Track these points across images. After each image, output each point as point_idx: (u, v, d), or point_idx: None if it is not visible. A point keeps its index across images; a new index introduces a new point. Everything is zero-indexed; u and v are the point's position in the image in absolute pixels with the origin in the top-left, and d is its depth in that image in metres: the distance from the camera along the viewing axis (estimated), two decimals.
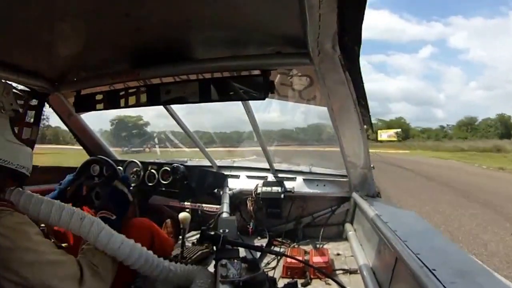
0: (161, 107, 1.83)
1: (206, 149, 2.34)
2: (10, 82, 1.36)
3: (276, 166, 2.26)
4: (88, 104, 1.54)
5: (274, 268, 1.60)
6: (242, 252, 1.11)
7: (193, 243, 1.74)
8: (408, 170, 13.67)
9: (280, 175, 2.23)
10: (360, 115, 1.38)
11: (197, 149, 2.33)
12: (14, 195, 0.87)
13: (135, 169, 2.23)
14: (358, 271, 1.42)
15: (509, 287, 0.78)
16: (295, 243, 1.87)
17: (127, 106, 1.44)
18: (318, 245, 1.78)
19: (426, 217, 4.86)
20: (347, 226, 1.95)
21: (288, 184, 2.09)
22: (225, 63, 1.24)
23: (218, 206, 1.92)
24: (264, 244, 1.83)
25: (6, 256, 0.75)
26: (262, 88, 1.20)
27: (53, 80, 1.58)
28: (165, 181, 2.17)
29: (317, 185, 2.09)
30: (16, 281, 0.76)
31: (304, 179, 2.14)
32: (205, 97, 1.27)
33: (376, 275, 1.29)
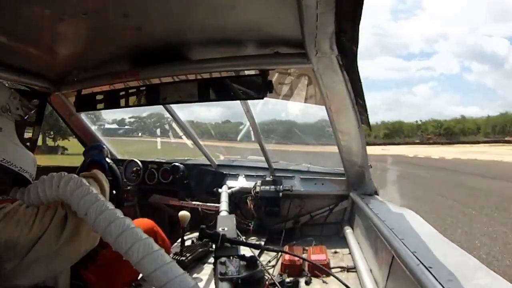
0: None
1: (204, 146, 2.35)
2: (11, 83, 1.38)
3: (275, 165, 2.28)
4: (88, 104, 1.55)
5: (273, 266, 1.61)
6: (241, 250, 1.13)
7: (192, 241, 1.76)
8: None
9: (278, 174, 2.24)
10: (358, 114, 1.40)
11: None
12: (19, 193, 0.86)
13: (135, 168, 2.25)
14: (356, 269, 1.44)
15: (506, 285, 0.78)
16: (293, 241, 1.88)
17: (127, 105, 1.46)
18: (316, 243, 1.79)
19: None
20: (345, 224, 1.96)
21: (287, 183, 2.09)
22: (224, 63, 1.26)
23: (217, 205, 1.93)
24: (263, 243, 1.84)
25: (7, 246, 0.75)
26: (261, 88, 1.22)
27: (54, 80, 1.59)
28: (165, 180, 2.19)
29: (315, 183, 2.10)
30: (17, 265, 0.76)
31: (302, 178, 2.15)
32: (204, 97, 1.29)
33: (373, 272, 1.30)
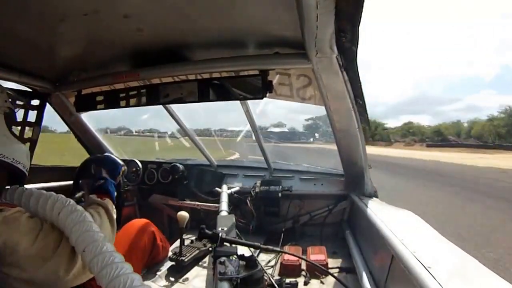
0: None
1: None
2: (11, 83, 1.39)
3: (274, 165, 2.28)
4: (88, 104, 1.56)
5: (272, 266, 1.61)
6: (240, 249, 1.13)
7: (192, 241, 1.76)
8: None
9: (277, 174, 2.25)
10: (358, 114, 1.40)
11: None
12: (9, 193, 0.87)
13: (134, 168, 2.25)
14: (355, 269, 1.44)
15: (506, 285, 0.78)
16: (293, 242, 1.88)
17: (127, 106, 1.46)
18: (315, 244, 1.79)
19: None
20: (344, 224, 1.96)
21: (286, 183, 2.10)
22: (224, 63, 1.26)
23: (217, 205, 1.93)
24: (262, 243, 1.84)
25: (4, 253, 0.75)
26: (260, 88, 1.22)
27: (54, 81, 1.60)
28: (164, 180, 2.19)
29: (315, 184, 2.10)
30: (19, 277, 0.76)
31: (301, 178, 2.16)
32: (203, 97, 1.29)
33: (373, 273, 1.30)
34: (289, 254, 1.36)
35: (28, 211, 0.84)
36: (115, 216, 1.07)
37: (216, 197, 2.05)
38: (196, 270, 1.57)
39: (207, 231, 1.17)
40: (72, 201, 0.87)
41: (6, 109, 0.93)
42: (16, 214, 0.79)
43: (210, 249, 1.65)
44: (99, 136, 2.22)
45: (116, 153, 2.44)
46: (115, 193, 1.18)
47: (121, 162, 1.27)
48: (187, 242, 1.74)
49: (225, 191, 2.03)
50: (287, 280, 1.36)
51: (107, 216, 1.02)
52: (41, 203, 0.84)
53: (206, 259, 1.66)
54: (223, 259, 1.01)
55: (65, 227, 0.81)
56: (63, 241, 0.82)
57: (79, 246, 0.78)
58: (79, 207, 0.86)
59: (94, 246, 0.76)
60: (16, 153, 0.89)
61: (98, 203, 1.03)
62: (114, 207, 1.09)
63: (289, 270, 1.50)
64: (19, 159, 0.90)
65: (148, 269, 1.54)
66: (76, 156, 2.20)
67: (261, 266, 1.08)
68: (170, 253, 1.60)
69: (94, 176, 1.23)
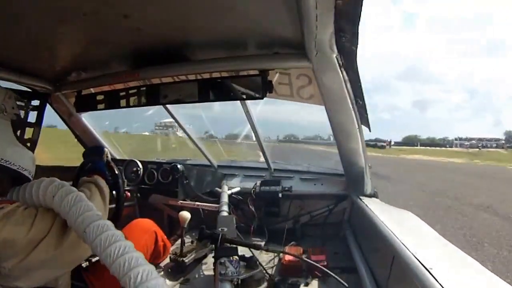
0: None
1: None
2: (11, 84, 1.39)
3: (274, 165, 2.28)
4: (89, 104, 1.56)
5: (273, 266, 1.61)
6: (241, 250, 1.13)
7: (192, 242, 1.76)
8: None
9: (278, 174, 2.25)
10: (358, 114, 1.40)
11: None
12: (15, 192, 0.88)
13: (135, 169, 2.25)
14: (356, 270, 1.43)
15: (506, 286, 0.78)
16: (293, 242, 1.88)
17: (127, 106, 1.46)
18: (316, 244, 1.79)
19: None
20: (345, 225, 1.96)
21: (286, 183, 2.10)
22: (224, 63, 1.26)
23: (217, 205, 1.93)
24: (263, 243, 1.84)
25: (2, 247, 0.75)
26: (260, 88, 1.22)
27: (54, 81, 1.59)
28: (164, 180, 2.19)
29: (315, 184, 2.10)
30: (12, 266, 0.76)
31: (301, 178, 2.16)
32: (203, 97, 1.29)
33: (374, 273, 1.30)
34: (289, 254, 1.35)
35: (24, 203, 0.85)
36: (107, 191, 1.09)
37: (216, 198, 2.05)
38: (196, 270, 1.57)
39: (207, 231, 1.17)
40: (66, 183, 0.87)
41: (14, 116, 0.94)
42: (14, 208, 0.80)
43: (211, 249, 1.65)
44: (99, 137, 2.22)
45: (116, 153, 2.45)
46: (106, 170, 1.25)
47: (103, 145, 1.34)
48: (187, 242, 1.74)
49: (225, 192, 2.03)
50: (288, 281, 1.36)
51: (98, 190, 1.04)
52: (35, 189, 0.85)
53: (207, 259, 1.66)
54: (223, 259, 1.01)
55: (61, 210, 0.81)
56: (57, 218, 0.83)
57: (79, 228, 0.77)
58: (73, 188, 0.86)
59: (95, 226, 0.75)
60: (22, 160, 0.90)
61: (88, 181, 1.07)
62: (105, 182, 1.12)
63: (290, 270, 1.50)
64: (25, 166, 0.91)
65: None
66: None
67: (262, 267, 1.08)
68: (170, 254, 1.60)
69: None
